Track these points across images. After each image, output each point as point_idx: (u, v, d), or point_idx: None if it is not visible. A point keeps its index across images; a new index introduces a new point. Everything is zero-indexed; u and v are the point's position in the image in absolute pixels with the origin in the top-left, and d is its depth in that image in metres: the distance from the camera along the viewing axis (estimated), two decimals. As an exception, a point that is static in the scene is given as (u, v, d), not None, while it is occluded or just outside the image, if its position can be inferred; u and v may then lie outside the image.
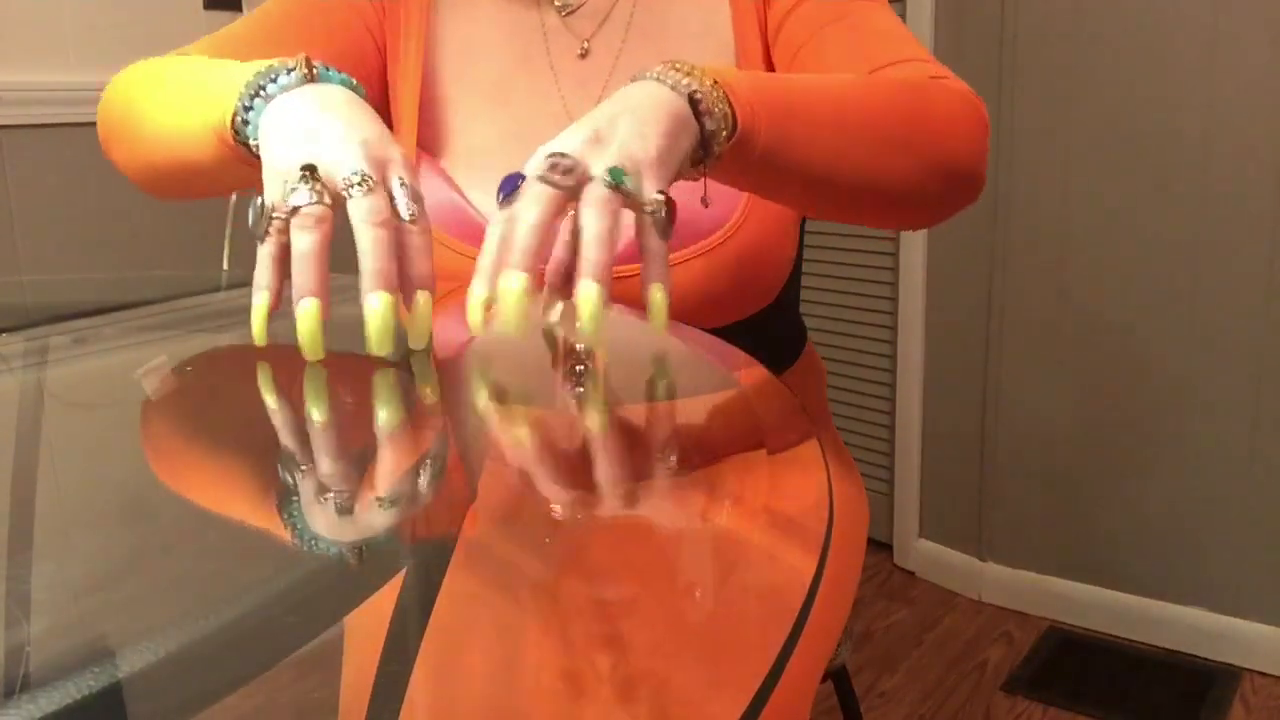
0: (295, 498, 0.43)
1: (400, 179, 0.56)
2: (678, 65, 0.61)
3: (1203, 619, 1.86)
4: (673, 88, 0.60)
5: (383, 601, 0.34)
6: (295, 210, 0.54)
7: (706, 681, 0.29)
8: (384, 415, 0.54)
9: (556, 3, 0.86)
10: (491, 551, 0.39)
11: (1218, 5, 1.66)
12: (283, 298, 0.56)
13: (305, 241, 0.54)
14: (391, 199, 0.55)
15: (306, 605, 0.35)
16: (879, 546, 2.27)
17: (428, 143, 0.87)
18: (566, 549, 0.39)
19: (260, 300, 0.57)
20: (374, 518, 0.41)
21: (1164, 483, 1.86)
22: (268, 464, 0.49)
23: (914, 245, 2.07)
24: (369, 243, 0.54)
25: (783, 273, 0.89)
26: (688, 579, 0.37)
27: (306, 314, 0.54)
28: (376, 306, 0.53)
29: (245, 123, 0.62)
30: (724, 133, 0.61)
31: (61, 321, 0.85)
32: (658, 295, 0.56)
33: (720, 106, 0.60)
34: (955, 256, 2.03)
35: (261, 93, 0.61)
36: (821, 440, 0.46)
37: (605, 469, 0.46)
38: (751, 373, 0.60)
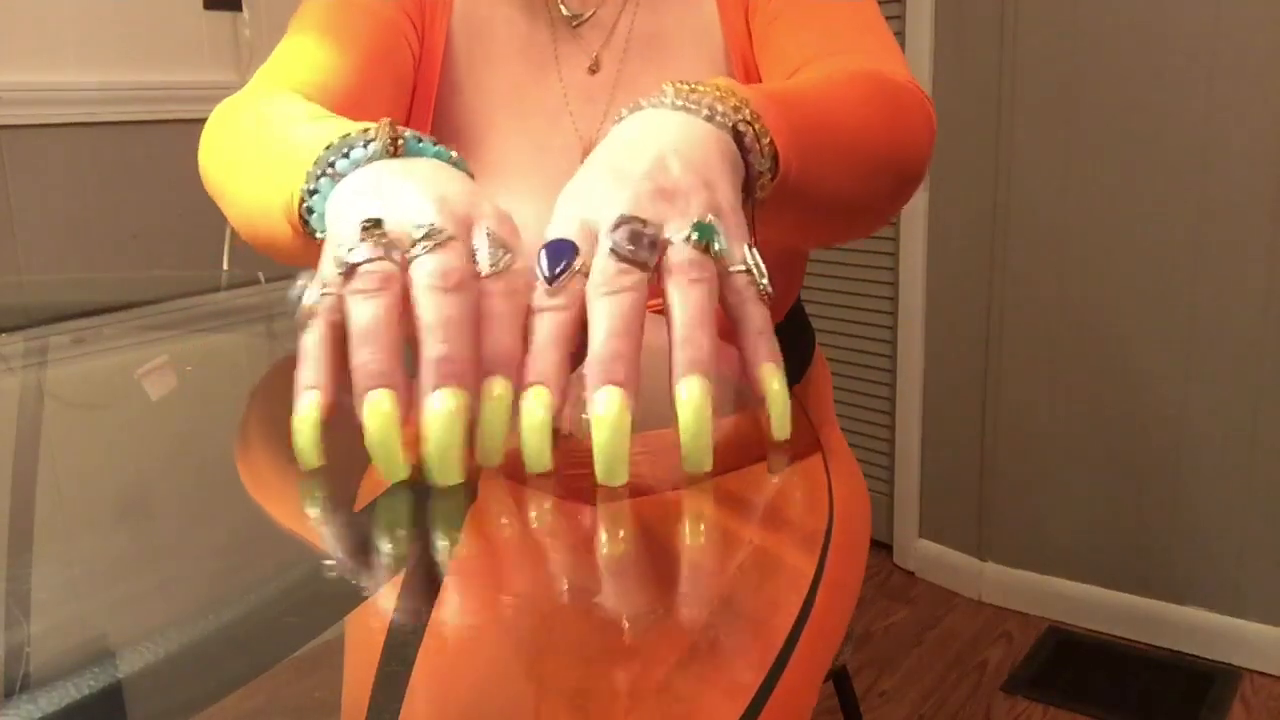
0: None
1: (488, 230, 0.42)
2: (699, 87, 0.50)
3: (1203, 619, 1.86)
4: (708, 118, 0.48)
5: (383, 601, 0.34)
6: (353, 270, 0.40)
7: (706, 683, 0.29)
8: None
9: (565, 14, 0.84)
10: (492, 552, 0.39)
11: (1218, 6, 1.66)
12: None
13: (366, 310, 0.39)
14: (473, 255, 0.42)
15: (306, 605, 0.35)
16: (879, 546, 2.27)
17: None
18: (567, 550, 0.39)
19: (308, 405, 0.41)
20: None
21: (1164, 483, 1.86)
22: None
23: (914, 246, 2.07)
24: (430, 315, 0.39)
25: (796, 285, 0.89)
26: (688, 580, 0.37)
27: (374, 413, 0.38)
28: (439, 409, 0.38)
29: (311, 210, 0.50)
30: (769, 174, 0.50)
31: (61, 321, 0.85)
32: (775, 384, 0.43)
33: (764, 139, 0.50)
34: (955, 257, 2.03)
35: (330, 170, 0.48)
36: (825, 442, 0.46)
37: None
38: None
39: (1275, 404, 1.73)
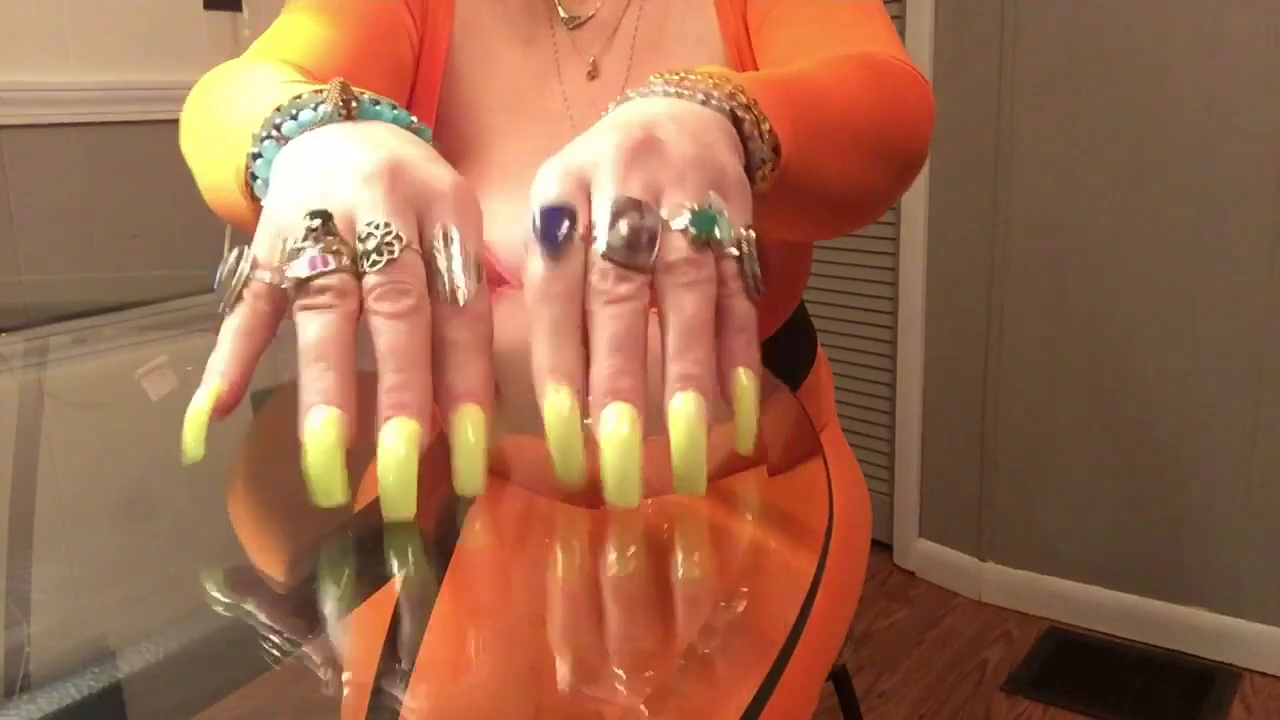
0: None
1: (446, 232, 0.37)
2: (690, 75, 0.46)
3: (1203, 619, 1.86)
4: (704, 103, 0.44)
5: (383, 601, 0.34)
6: (303, 285, 0.36)
7: (706, 683, 0.29)
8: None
9: (563, 15, 0.83)
10: (491, 550, 0.39)
11: (1218, 5, 1.66)
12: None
13: (317, 326, 0.35)
14: (432, 264, 0.37)
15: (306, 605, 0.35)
16: (879, 546, 2.27)
17: (447, 150, 0.82)
18: (566, 548, 0.39)
19: (207, 393, 0.37)
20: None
21: (1164, 483, 1.86)
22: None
23: (914, 246, 2.07)
24: (383, 340, 0.36)
25: (800, 286, 0.88)
26: (688, 579, 0.37)
27: (323, 432, 0.35)
28: (392, 444, 0.35)
29: (255, 177, 0.45)
30: (769, 164, 0.47)
31: (61, 321, 0.85)
32: (746, 392, 0.38)
33: (764, 126, 0.46)
34: (955, 257, 2.03)
35: (275, 133, 0.44)
36: (826, 442, 0.46)
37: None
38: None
39: (1275, 404, 1.73)
